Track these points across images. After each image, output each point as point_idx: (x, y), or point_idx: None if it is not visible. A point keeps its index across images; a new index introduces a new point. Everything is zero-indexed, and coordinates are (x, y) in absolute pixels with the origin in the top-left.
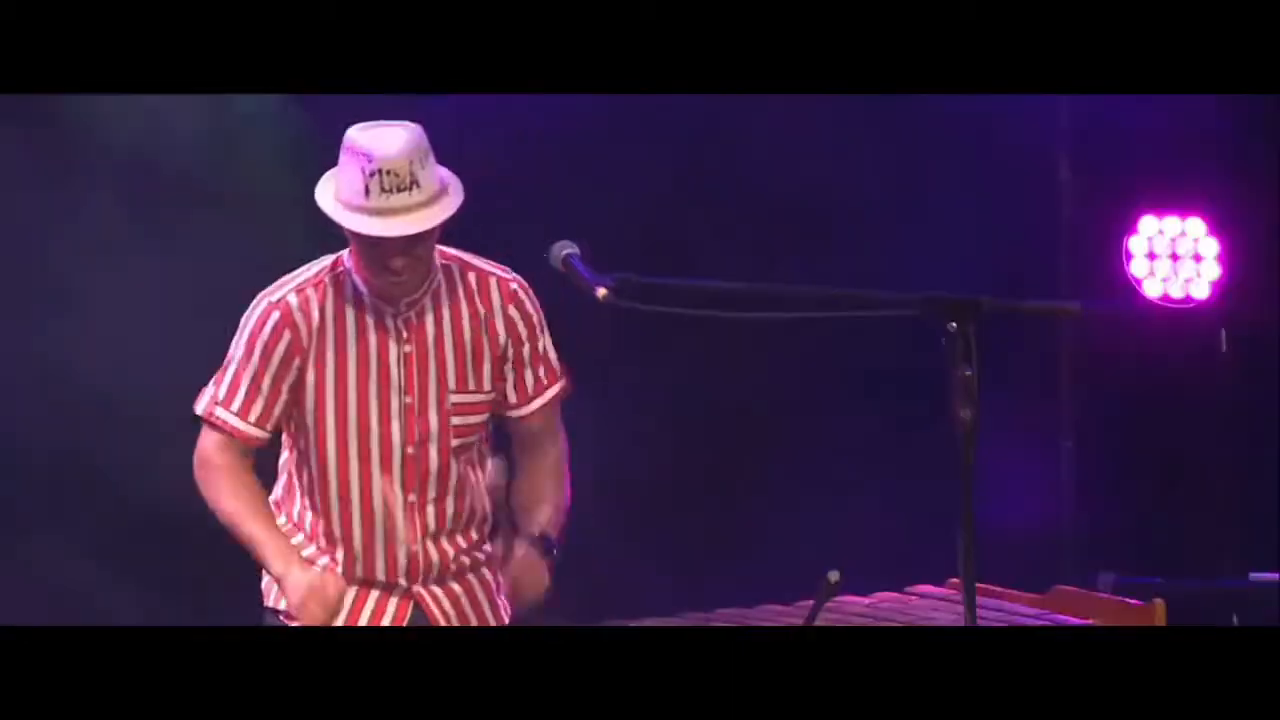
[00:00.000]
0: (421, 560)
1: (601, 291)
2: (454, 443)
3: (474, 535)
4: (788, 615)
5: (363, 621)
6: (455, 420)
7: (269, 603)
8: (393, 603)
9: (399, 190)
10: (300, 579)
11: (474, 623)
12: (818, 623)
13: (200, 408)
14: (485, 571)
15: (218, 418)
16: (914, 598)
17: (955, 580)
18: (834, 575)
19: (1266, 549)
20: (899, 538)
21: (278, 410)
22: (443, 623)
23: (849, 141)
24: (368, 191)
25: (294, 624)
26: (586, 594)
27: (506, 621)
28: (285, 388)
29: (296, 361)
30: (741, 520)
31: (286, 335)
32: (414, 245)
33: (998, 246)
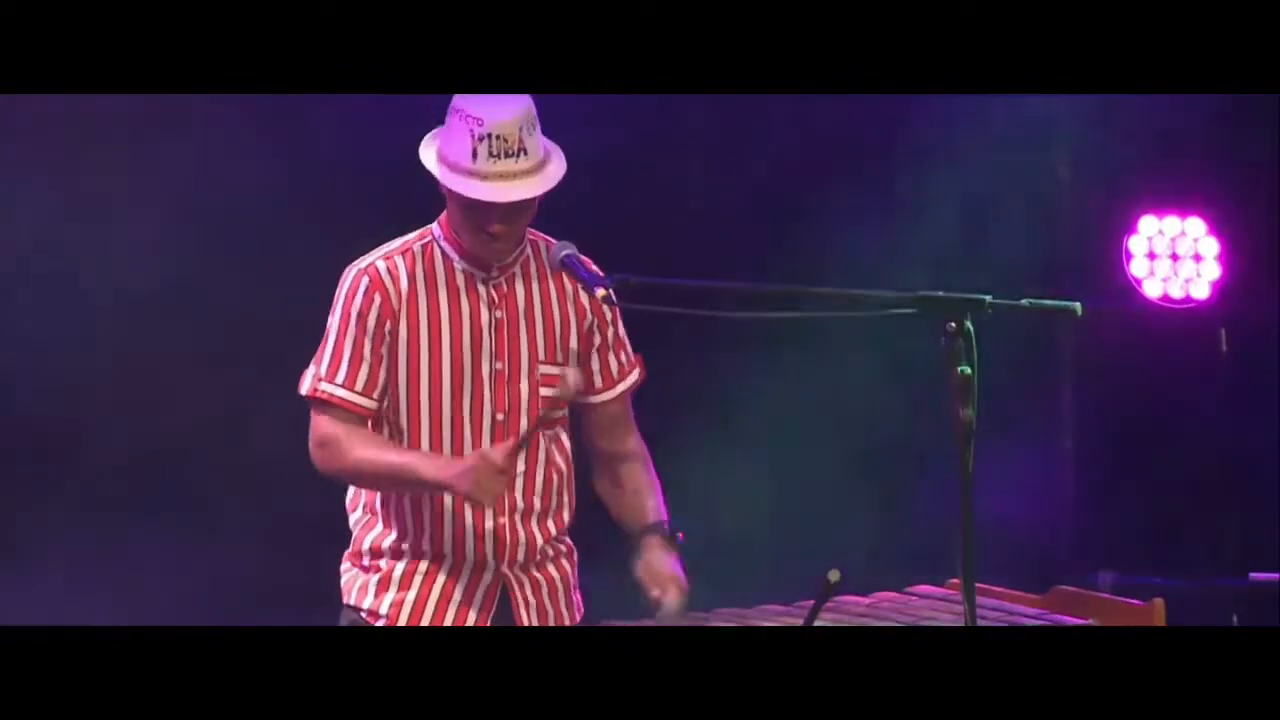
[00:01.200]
0: (509, 536)
1: (600, 292)
2: (541, 413)
3: (560, 520)
4: (788, 615)
5: (456, 596)
6: (544, 391)
7: (349, 600)
8: (485, 580)
9: (506, 156)
10: (459, 466)
11: (550, 613)
12: (818, 623)
13: (305, 388)
14: (566, 564)
15: (324, 392)
16: (914, 598)
17: (955, 580)
18: (834, 575)
19: (1266, 549)
20: (899, 538)
21: (382, 377)
22: (523, 608)
23: (848, 141)
24: (475, 155)
25: (378, 622)
26: (586, 594)
27: (578, 618)
28: (384, 351)
29: (389, 325)
30: (741, 520)
31: (378, 298)
32: (516, 211)
33: (998, 246)
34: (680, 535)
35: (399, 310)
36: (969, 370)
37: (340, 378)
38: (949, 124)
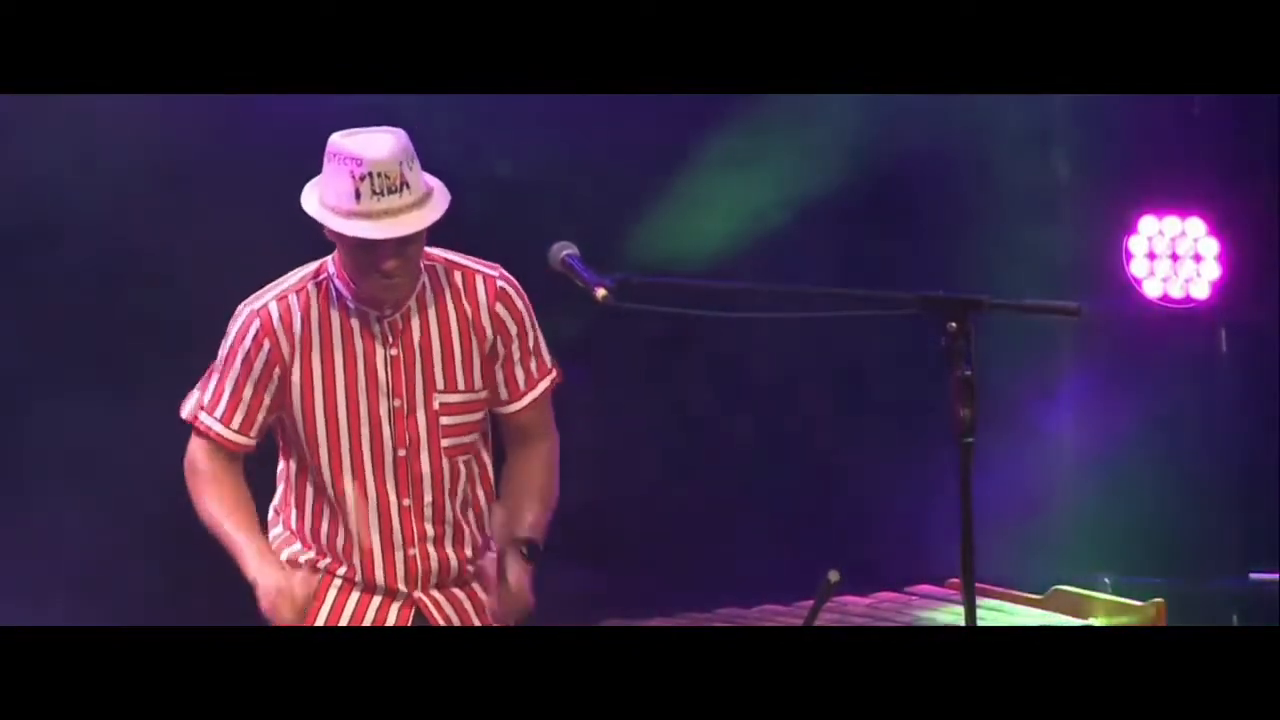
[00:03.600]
0: (420, 565)
1: (601, 292)
2: (445, 443)
3: (475, 544)
4: (787, 615)
5: (368, 619)
6: (445, 420)
7: None
8: (394, 609)
9: (390, 192)
10: (270, 580)
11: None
12: (818, 623)
13: (186, 411)
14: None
15: (202, 423)
16: (914, 598)
17: (955, 580)
18: (834, 575)
19: (1266, 549)
20: (899, 538)
21: (260, 418)
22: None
23: (847, 141)
24: (358, 195)
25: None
26: (586, 594)
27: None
28: (267, 396)
29: (278, 370)
30: (741, 520)
31: (267, 344)
32: (406, 247)
33: (998, 246)
34: (538, 556)
35: (291, 354)
36: (968, 370)
37: (219, 412)
38: (949, 124)
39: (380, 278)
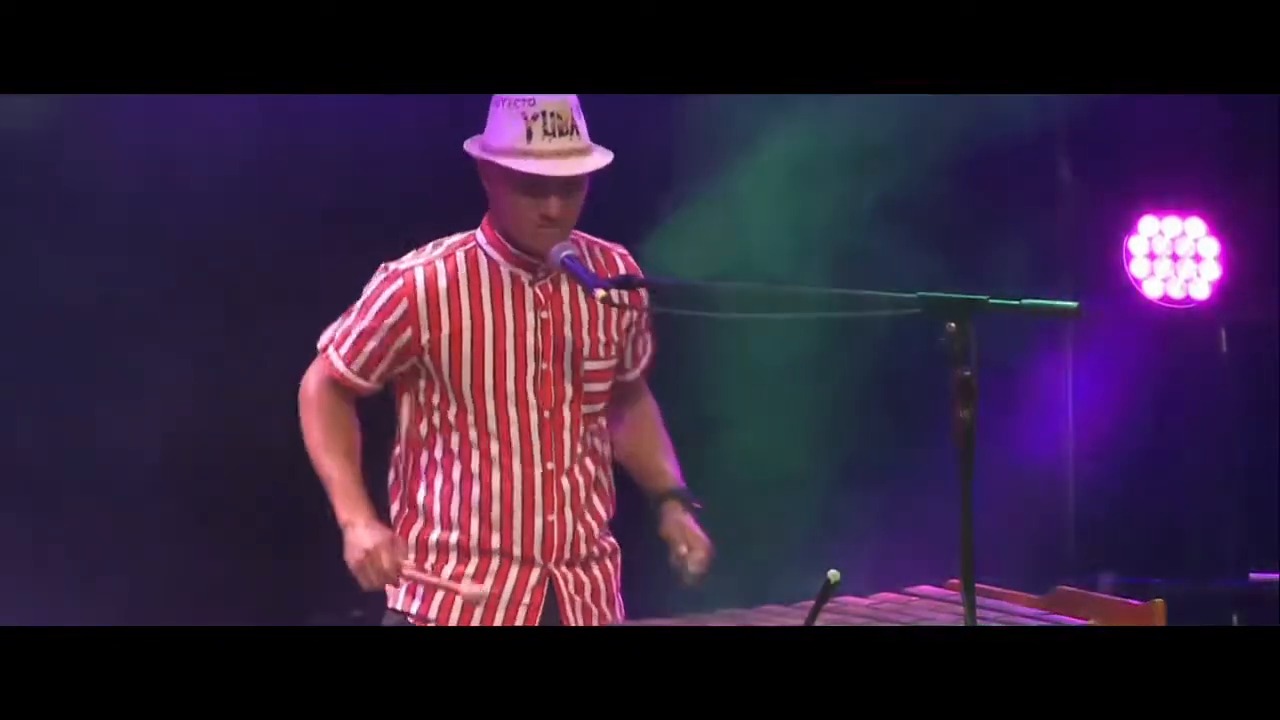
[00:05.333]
0: (557, 532)
1: (601, 292)
2: (584, 410)
3: (603, 514)
4: (788, 615)
5: (505, 595)
6: (588, 387)
7: (394, 604)
8: (533, 576)
9: (561, 134)
10: (361, 537)
11: (595, 614)
12: (818, 623)
13: (322, 340)
14: (609, 564)
15: (329, 356)
16: (914, 598)
17: (955, 580)
18: (834, 575)
19: (1266, 549)
20: (899, 538)
21: (382, 368)
22: (569, 607)
23: (847, 141)
24: (530, 135)
25: (423, 624)
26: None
27: (621, 618)
28: (391, 351)
29: (409, 332)
30: (741, 520)
31: (405, 304)
32: (574, 190)
33: (998, 246)
34: (697, 504)
35: (434, 318)
36: (968, 370)
37: (344, 351)
38: (948, 123)
39: (544, 223)
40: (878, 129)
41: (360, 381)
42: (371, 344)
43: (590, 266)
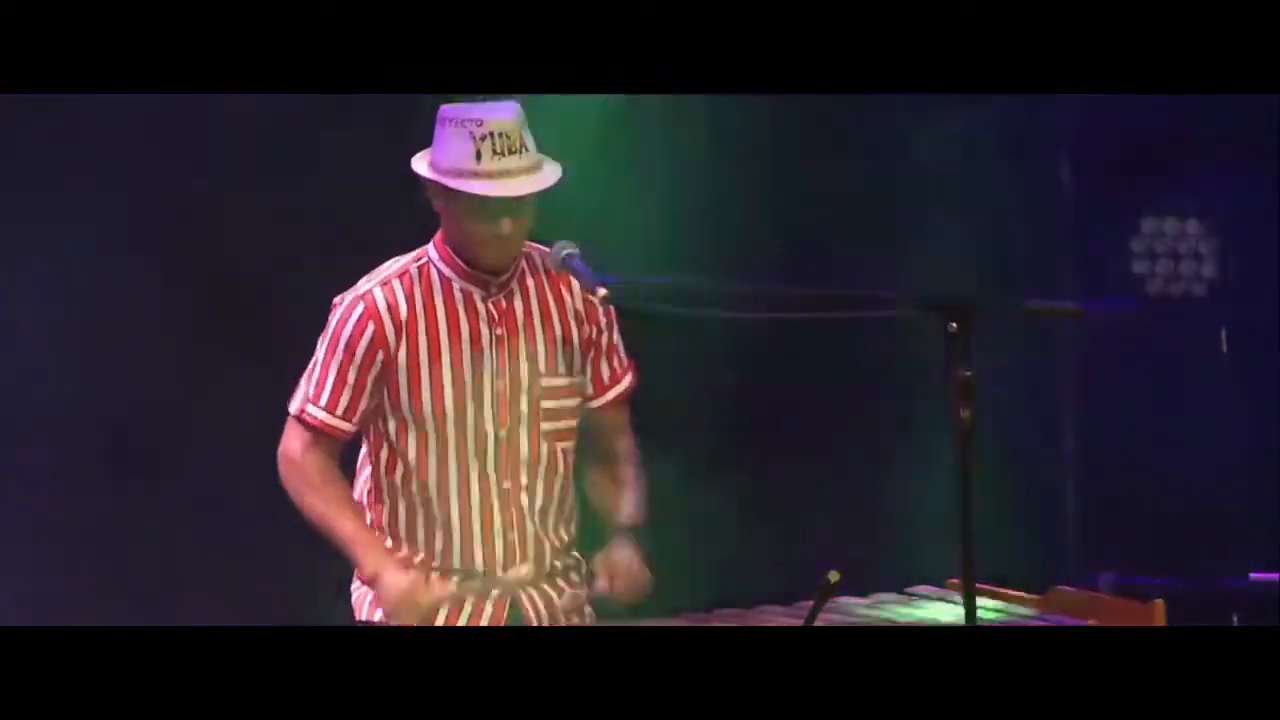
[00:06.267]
0: (518, 550)
1: (601, 292)
2: (544, 427)
3: (566, 533)
4: (788, 615)
5: (465, 615)
6: (545, 404)
7: (360, 617)
8: (491, 598)
9: (510, 153)
10: (396, 581)
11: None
12: (818, 623)
13: (294, 406)
14: (575, 577)
15: (309, 415)
16: (914, 598)
17: (955, 580)
18: (834, 575)
19: (1266, 549)
20: (899, 538)
21: (363, 404)
22: (534, 623)
23: (847, 141)
24: (478, 155)
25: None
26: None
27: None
28: (369, 381)
29: (381, 355)
30: (740, 520)
31: (371, 328)
32: (523, 208)
33: (998, 246)
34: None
35: (397, 338)
36: (968, 371)
37: (324, 400)
38: (948, 123)
39: (496, 242)
40: (878, 128)
41: (343, 425)
42: (351, 377)
43: (543, 275)
